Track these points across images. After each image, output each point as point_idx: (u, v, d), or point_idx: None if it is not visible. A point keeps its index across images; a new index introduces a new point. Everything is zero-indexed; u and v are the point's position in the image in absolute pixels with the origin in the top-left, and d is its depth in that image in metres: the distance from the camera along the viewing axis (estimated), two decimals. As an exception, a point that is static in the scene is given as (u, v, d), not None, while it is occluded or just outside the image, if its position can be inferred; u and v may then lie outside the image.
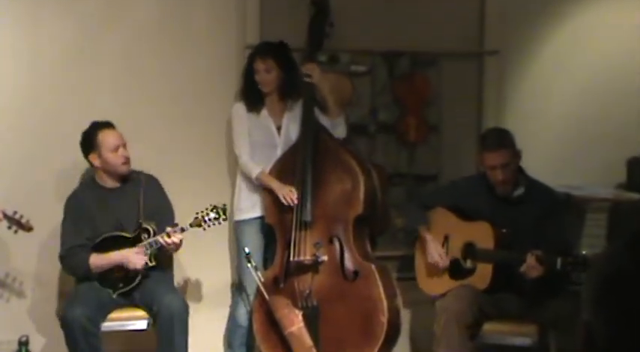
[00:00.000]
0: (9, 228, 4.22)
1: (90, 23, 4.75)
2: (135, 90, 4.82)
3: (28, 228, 4.22)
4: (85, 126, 4.50)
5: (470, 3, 5.22)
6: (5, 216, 4.17)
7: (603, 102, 5.39)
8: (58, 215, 4.48)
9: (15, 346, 4.37)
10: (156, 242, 4.24)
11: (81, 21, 4.75)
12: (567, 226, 4.40)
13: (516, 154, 4.28)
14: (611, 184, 5.20)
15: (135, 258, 4.25)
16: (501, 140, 4.25)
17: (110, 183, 4.45)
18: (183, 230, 4.25)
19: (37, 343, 4.61)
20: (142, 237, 4.30)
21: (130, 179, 4.47)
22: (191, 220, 4.27)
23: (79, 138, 4.44)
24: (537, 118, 5.32)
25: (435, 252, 4.40)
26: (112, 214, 4.39)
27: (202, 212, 4.29)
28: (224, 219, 4.34)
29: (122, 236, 4.34)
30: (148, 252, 4.26)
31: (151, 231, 4.30)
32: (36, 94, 4.71)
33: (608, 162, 5.26)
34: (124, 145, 4.42)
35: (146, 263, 4.26)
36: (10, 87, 4.68)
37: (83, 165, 4.61)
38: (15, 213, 4.20)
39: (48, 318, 4.70)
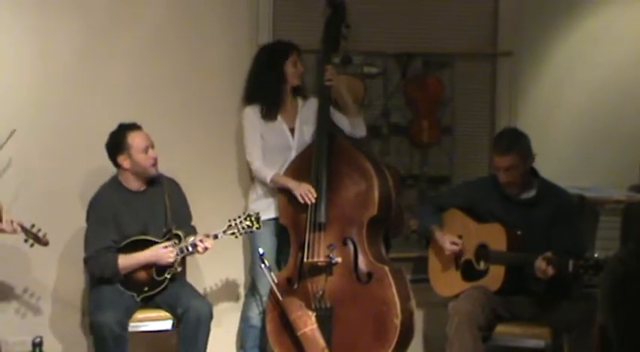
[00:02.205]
0: (25, 241, 4.17)
1: (101, 24, 4.76)
2: (146, 91, 4.83)
3: (44, 242, 4.18)
4: (95, 128, 4.49)
5: (483, 4, 5.21)
6: (23, 228, 4.13)
7: (617, 103, 5.38)
8: (71, 220, 4.51)
9: (29, 347, 4.39)
10: (189, 247, 4.26)
11: (92, 22, 4.75)
12: (580, 228, 4.39)
13: (527, 158, 4.25)
14: (625, 186, 5.19)
15: (165, 252, 4.26)
16: (512, 144, 4.23)
17: (136, 185, 4.43)
18: (216, 237, 4.28)
19: (50, 344, 4.62)
20: (173, 243, 4.30)
21: (154, 182, 4.46)
22: (224, 227, 4.30)
23: (90, 141, 4.44)
24: (550, 120, 5.31)
25: (447, 240, 4.38)
26: (138, 217, 4.38)
27: (235, 220, 4.31)
28: (257, 228, 4.36)
29: (151, 240, 4.33)
30: (179, 256, 4.28)
31: (182, 238, 4.31)
32: (47, 96, 4.71)
33: (622, 164, 5.24)
34: (152, 145, 4.40)
35: (175, 267, 4.29)
36: (21, 89, 4.68)
37: (100, 171, 4.62)
38: (32, 226, 4.16)
39: (62, 320, 4.73)
